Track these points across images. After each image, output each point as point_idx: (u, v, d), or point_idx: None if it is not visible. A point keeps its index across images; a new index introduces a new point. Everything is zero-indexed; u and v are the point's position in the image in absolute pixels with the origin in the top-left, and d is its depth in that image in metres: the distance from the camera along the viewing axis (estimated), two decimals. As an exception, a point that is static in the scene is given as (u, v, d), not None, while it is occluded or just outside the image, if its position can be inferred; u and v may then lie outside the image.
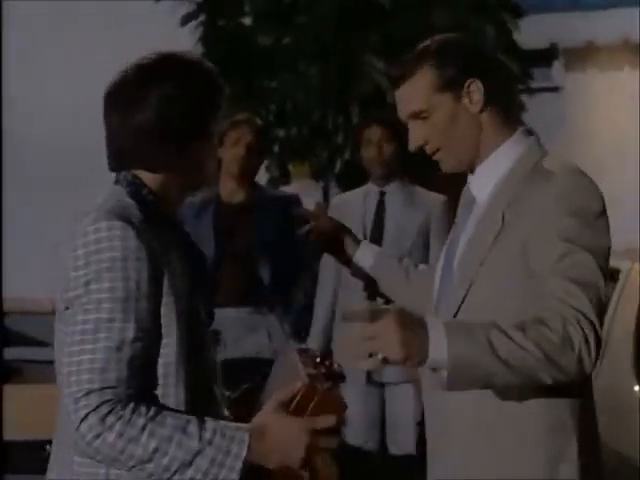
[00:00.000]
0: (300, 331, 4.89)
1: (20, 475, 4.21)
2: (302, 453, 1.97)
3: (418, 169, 4.56)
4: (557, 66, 10.97)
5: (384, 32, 8.17)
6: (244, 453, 1.94)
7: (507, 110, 2.37)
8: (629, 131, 10.14)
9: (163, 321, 2.00)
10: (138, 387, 1.96)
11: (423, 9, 8.35)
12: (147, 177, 2.10)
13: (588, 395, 2.34)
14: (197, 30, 9.09)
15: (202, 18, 9.06)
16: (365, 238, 4.74)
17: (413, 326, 2.06)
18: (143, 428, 1.92)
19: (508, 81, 2.51)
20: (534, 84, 10.17)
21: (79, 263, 1.98)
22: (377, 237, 4.75)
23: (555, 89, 10.89)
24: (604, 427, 2.50)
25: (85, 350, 1.94)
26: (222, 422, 1.99)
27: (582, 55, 10.66)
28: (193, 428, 1.94)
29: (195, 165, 2.12)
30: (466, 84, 2.30)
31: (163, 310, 2.00)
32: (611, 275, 4.08)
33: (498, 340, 2.08)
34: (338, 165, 8.48)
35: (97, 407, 1.91)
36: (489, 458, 2.27)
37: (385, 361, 2.07)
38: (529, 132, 2.38)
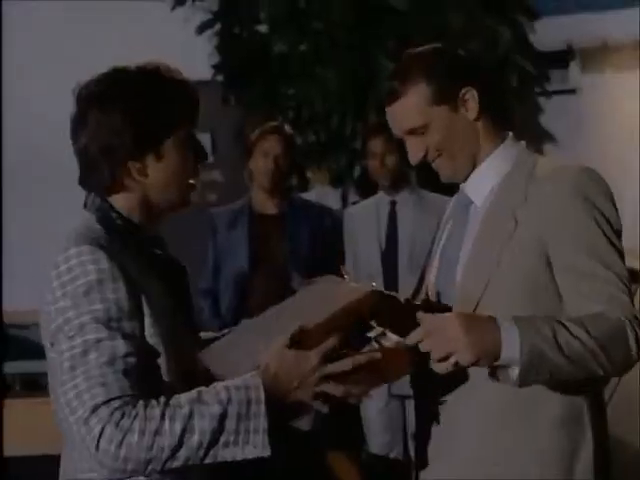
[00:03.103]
0: None
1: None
2: (314, 378, 1.95)
3: (430, 175, 4.55)
4: (573, 68, 10.92)
5: (400, 35, 8.15)
6: (262, 395, 1.92)
7: (499, 115, 2.40)
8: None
9: (149, 341, 1.97)
10: (141, 394, 1.92)
11: (438, 11, 8.34)
12: (115, 199, 2.07)
13: (600, 391, 2.37)
14: (213, 39, 9.09)
15: (218, 27, 9.06)
16: (380, 249, 4.73)
17: (480, 327, 2.09)
18: (162, 416, 1.88)
19: (498, 86, 2.53)
20: (551, 86, 10.15)
21: (57, 295, 1.95)
22: (391, 247, 4.75)
23: (572, 91, 10.85)
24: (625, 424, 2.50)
25: (78, 373, 1.90)
26: (229, 381, 1.95)
27: (598, 56, 10.61)
28: (207, 395, 1.91)
29: (155, 184, 2.07)
30: (461, 93, 2.32)
31: (149, 331, 1.97)
32: (632, 276, 4.06)
33: (562, 336, 2.12)
34: (357, 171, 8.46)
35: (109, 418, 1.86)
36: (500, 453, 2.27)
37: (457, 364, 2.10)
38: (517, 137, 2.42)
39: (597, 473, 2.28)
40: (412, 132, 2.36)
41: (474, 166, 2.37)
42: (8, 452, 4.35)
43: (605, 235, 2.24)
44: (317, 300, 2.13)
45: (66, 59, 9.89)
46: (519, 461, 2.25)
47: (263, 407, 1.91)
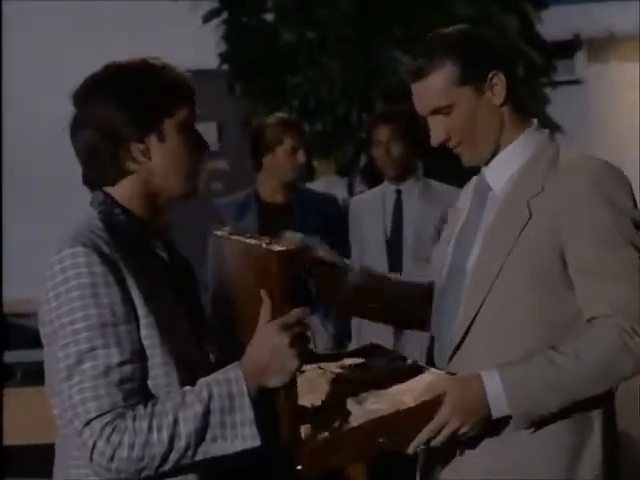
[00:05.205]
0: (343, 333, 4.85)
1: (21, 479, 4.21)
2: (289, 349, 1.95)
3: (437, 165, 4.54)
4: (580, 58, 10.91)
5: (406, 25, 8.14)
6: (245, 387, 1.94)
7: (524, 102, 2.37)
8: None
9: (146, 343, 1.97)
10: (133, 404, 1.94)
11: (445, 1, 8.33)
12: (118, 188, 2.08)
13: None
14: (219, 28, 9.09)
15: (224, 16, 9.06)
16: (386, 238, 4.73)
17: (469, 393, 2.15)
18: (150, 428, 1.91)
19: (525, 73, 2.50)
20: (557, 77, 10.13)
21: (49, 296, 1.96)
22: (397, 236, 4.74)
23: (578, 82, 10.83)
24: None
25: (73, 383, 1.93)
26: (212, 375, 1.97)
27: (605, 46, 10.60)
28: (190, 397, 1.94)
29: (159, 168, 2.07)
30: (489, 76, 2.29)
31: (144, 333, 1.97)
32: None
33: (555, 378, 2.15)
34: (363, 160, 8.45)
35: (101, 433, 1.90)
36: (509, 451, 2.26)
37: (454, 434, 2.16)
38: (541, 126, 2.39)
39: (605, 468, 2.26)
40: (436, 112, 2.30)
41: (496, 152, 2.35)
42: (8, 441, 4.36)
43: (621, 229, 2.20)
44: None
45: (66, 59, 9.90)
46: (523, 456, 2.24)
47: (247, 399, 1.93)
